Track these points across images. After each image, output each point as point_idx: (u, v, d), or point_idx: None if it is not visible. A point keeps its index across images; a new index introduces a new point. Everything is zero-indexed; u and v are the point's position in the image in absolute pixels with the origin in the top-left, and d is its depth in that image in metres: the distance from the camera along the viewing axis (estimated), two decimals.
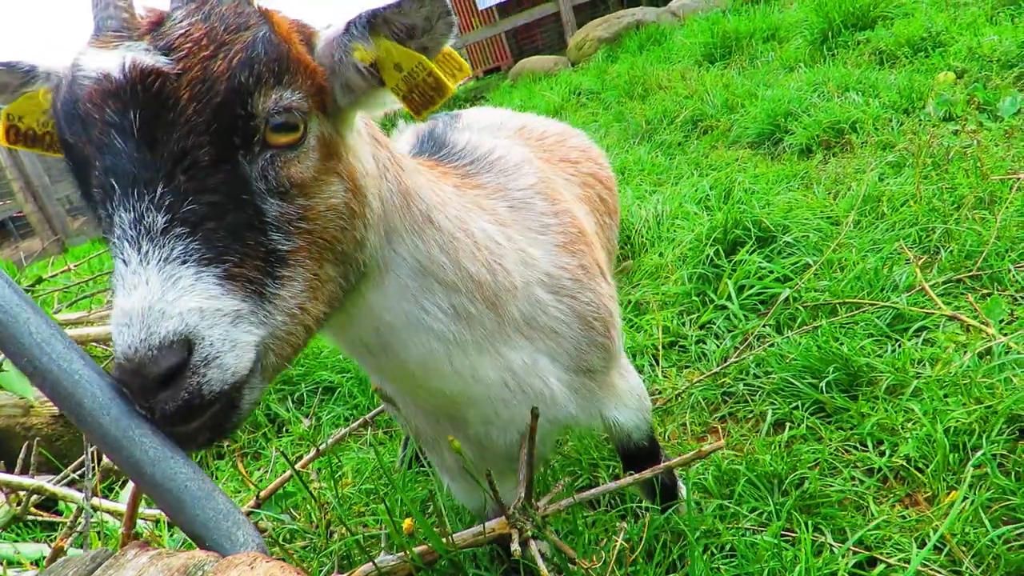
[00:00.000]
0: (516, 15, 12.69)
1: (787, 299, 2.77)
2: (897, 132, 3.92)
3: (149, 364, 0.80)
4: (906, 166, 3.51)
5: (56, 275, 5.50)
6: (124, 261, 0.84)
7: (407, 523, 1.66)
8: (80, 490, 2.37)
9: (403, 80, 1.02)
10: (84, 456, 1.98)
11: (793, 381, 2.33)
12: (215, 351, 0.84)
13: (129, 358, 0.80)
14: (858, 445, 2.05)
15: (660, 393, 2.61)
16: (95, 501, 2.18)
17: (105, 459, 2.28)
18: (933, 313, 2.42)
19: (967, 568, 1.55)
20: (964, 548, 1.59)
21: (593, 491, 1.67)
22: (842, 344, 2.39)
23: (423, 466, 2.53)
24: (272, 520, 2.30)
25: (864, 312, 2.53)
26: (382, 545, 1.84)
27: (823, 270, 2.89)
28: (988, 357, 2.13)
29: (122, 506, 2.32)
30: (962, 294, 2.51)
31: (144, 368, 0.80)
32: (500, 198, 1.53)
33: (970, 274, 2.56)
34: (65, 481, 2.58)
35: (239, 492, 2.75)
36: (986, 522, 1.62)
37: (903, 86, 4.27)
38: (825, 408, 2.23)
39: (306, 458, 2.35)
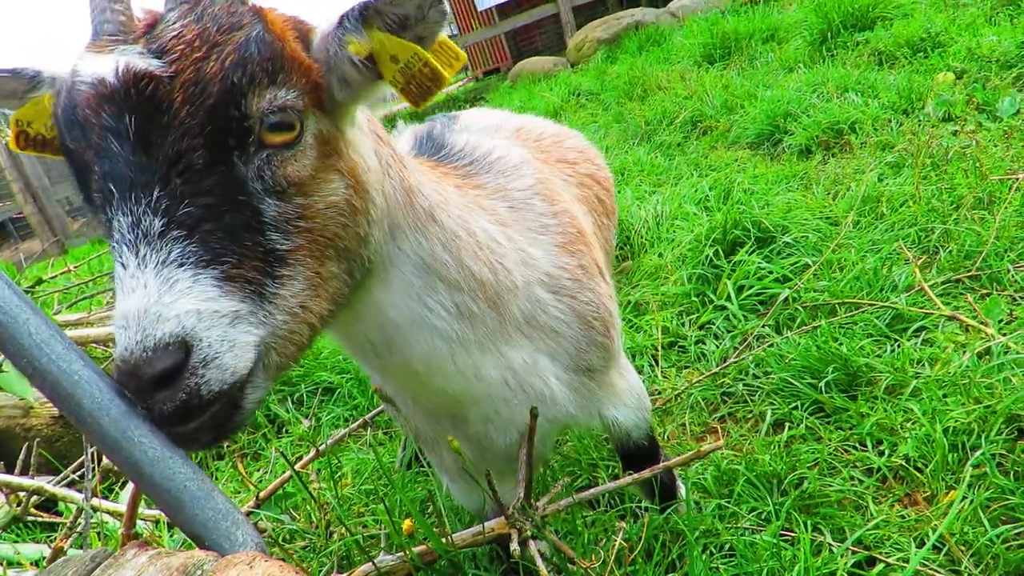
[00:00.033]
0: (516, 16, 12.70)
1: (786, 299, 2.77)
2: (896, 133, 3.92)
3: (144, 366, 0.81)
4: (905, 166, 3.51)
5: (56, 276, 5.51)
6: (123, 265, 0.85)
7: (407, 524, 1.66)
8: (80, 491, 2.37)
9: (400, 72, 1.01)
10: (84, 457, 1.99)
11: (792, 381, 2.33)
12: (213, 352, 0.84)
13: (125, 360, 0.81)
14: (857, 445, 2.05)
15: (660, 393, 2.61)
16: (95, 502, 2.18)
17: (105, 460, 2.29)
18: (932, 313, 2.42)
19: (966, 567, 1.56)
20: (963, 548, 1.60)
21: (592, 491, 1.67)
22: (841, 344, 2.39)
23: (422, 467, 2.53)
24: (272, 520, 2.31)
25: (863, 312, 2.54)
26: (381, 545, 1.84)
27: (822, 270, 2.89)
28: (987, 357, 2.14)
29: (122, 507, 2.32)
30: (961, 294, 2.51)
31: (139, 370, 0.81)
32: (500, 198, 1.53)
33: (969, 274, 2.57)
34: (65, 482, 2.59)
35: (239, 493, 2.75)
36: (985, 522, 1.62)
37: (902, 87, 4.27)
38: (824, 408, 2.23)
39: (305, 459, 2.36)
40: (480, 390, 1.37)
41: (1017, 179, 2.91)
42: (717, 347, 2.74)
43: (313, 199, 0.99)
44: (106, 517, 2.30)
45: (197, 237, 0.86)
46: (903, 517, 1.77)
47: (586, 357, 1.54)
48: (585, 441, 2.35)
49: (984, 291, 2.49)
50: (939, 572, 1.56)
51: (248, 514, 2.15)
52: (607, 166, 2.21)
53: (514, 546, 1.46)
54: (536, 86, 9.92)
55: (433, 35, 1.00)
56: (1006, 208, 2.75)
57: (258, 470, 2.91)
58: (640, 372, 2.71)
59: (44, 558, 2.22)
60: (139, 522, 2.30)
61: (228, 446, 3.06)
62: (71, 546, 1.99)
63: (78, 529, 2.05)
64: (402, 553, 1.51)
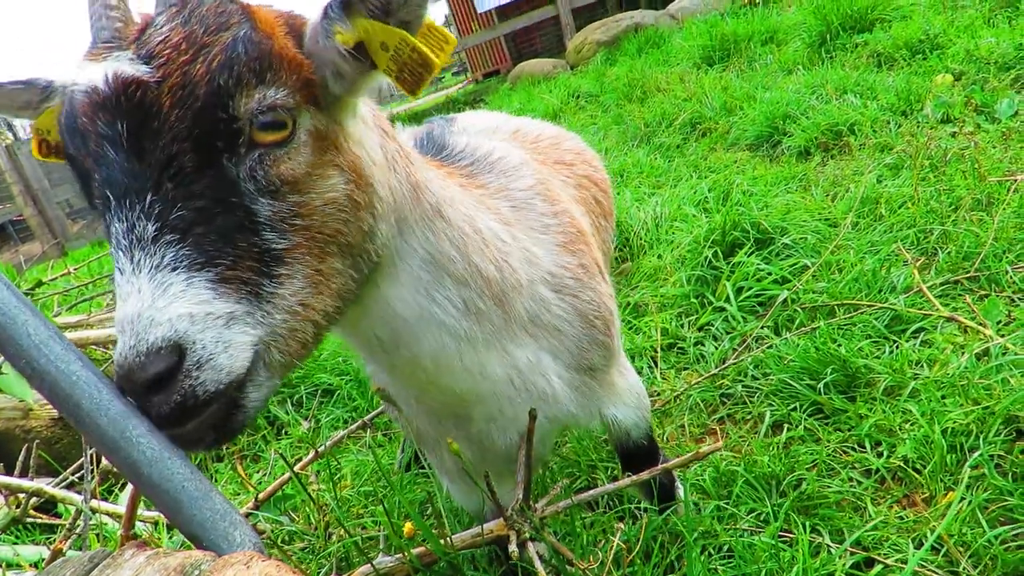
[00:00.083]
0: (515, 18, 12.73)
1: (785, 301, 2.77)
2: (895, 134, 3.92)
3: (137, 370, 0.82)
4: (904, 168, 3.52)
5: (56, 278, 5.51)
6: (120, 270, 0.86)
7: (408, 527, 1.66)
8: (79, 492, 2.38)
9: (392, 60, 0.99)
10: (83, 459, 1.99)
11: (791, 382, 2.34)
12: (207, 354, 0.84)
13: (121, 365, 0.83)
14: (856, 446, 2.06)
15: (659, 395, 2.62)
16: (94, 503, 2.18)
17: (104, 462, 2.29)
18: (931, 314, 2.42)
19: (964, 568, 1.56)
20: (961, 549, 1.60)
21: (591, 492, 1.67)
22: (840, 345, 2.39)
23: (421, 468, 2.53)
24: (271, 522, 2.31)
25: (862, 313, 2.54)
26: (380, 547, 1.84)
27: (821, 272, 2.89)
28: (986, 358, 2.14)
29: (121, 508, 2.32)
30: (960, 295, 2.51)
31: (133, 374, 0.82)
32: (503, 198, 1.54)
33: (968, 275, 2.57)
34: (64, 483, 2.59)
35: (238, 494, 2.75)
36: (983, 523, 1.62)
37: (901, 88, 4.28)
38: (823, 409, 2.24)
39: (305, 460, 2.36)
40: (486, 388, 1.37)
41: (1015, 180, 2.91)
42: (716, 348, 2.74)
43: (310, 196, 0.98)
44: (105, 519, 2.30)
45: (190, 240, 0.87)
46: (901, 518, 1.77)
47: (587, 356, 1.54)
48: (584, 442, 2.36)
49: (982, 292, 2.50)
50: (937, 573, 1.56)
51: (247, 515, 2.15)
52: (604, 168, 2.21)
53: (512, 548, 1.46)
54: (536, 88, 9.94)
55: (418, 19, 0.98)
56: (1004, 209, 2.75)
57: (257, 472, 2.91)
58: (639, 373, 2.71)
59: (43, 560, 2.22)
60: (138, 523, 2.30)
61: (227, 448, 3.06)
62: (70, 548, 1.99)
63: (77, 531, 2.05)
64: (401, 555, 1.52)
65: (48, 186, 12.39)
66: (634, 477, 1.66)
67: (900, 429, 2.02)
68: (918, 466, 1.89)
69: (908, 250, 2.84)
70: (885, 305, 2.52)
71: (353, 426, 2.68)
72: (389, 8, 0.97)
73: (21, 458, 2.59)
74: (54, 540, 2.38)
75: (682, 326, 2.98)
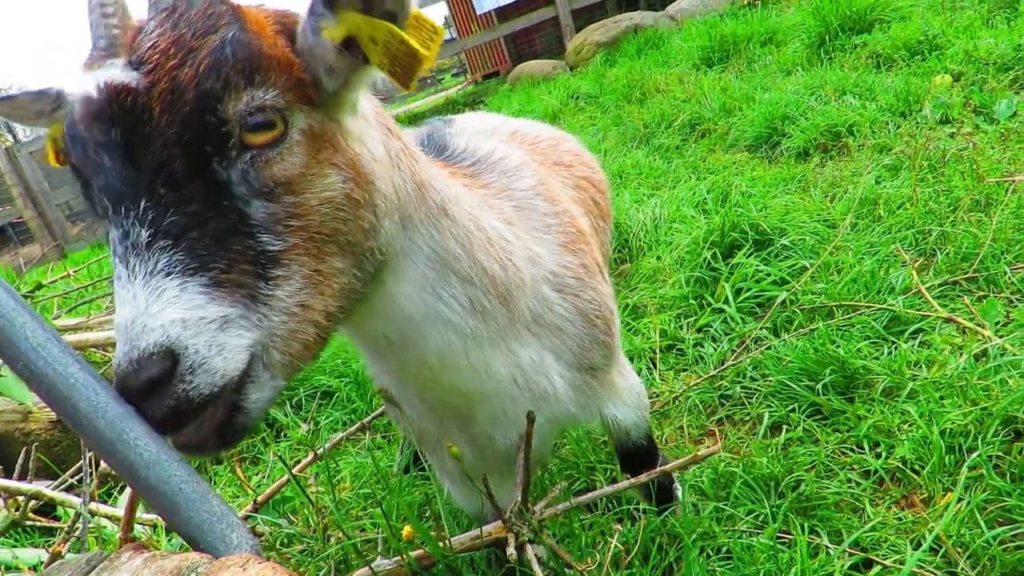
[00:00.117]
0: (515, 19, 12.72)
1: (784, 302, 2.77)
2: (894, 135, 3.93)
3: (132, 376, 0.82)
4: (903, 169, 3.52)
5: (55, 281, 5.51)
6: (118, 276, 0.87)
7: (407, 530, 1.66)
8: (78, 495, 2.38)
9: (382, 53, 0.97)
10: (82, 461, 1.99)
11: (790, 384, 2.34)
12: (200, 358, 0.84)
13: (117, 370, 0.84)
14: (854, 447, 2.06)
15: (657, 396, 2.62)
16: (93, 506, 2.19)
17: (103, 464, 2.29)
18: (929, 315, 2.42)
19: (962, 569, 1.56)
20: (960, 549, 1.60)
21: (590, 495, 1.68)
22: (839, 346, 2.39)
23: (420, 470, 2.53)
24: (269, 524, 2.31)
25: (861, 315, 2.54)
26: (379, 549, 1.84)
27: (820, 273, 2.89)
28: (984, 359, 2.14)
29: (120, 511, 2.32)
30: (958, 296, 2.52)
31: (128, 380, 0.83)
32: (505, 198, 1.55)
33: (966, 276, 2.57)
34: (63, 486, 2.59)
35: (238, 497, 2.75)
36: (982, 523, 1.62)
37: (900, 89, 4.28)
38: (822, 410, 2.24)
39: (303, 462, 2.36)
40: (491, 387, 1.37)
41: (1014, 181, 2.91)
42: (715, 350, 2.74)
43: (305, 196, 0.97)
44: (104, 521, 2.30)
45: (184, 245, 0.87)
46: (900, 519, 1.77)
47: (589, 355, 1.55)
48: (583, 444, 2.36)
49: (981, 293, 2.50)
50: (935, 574, 1.56)
51: (246, 518, 2.15)
52: (602, 169, 2.21)
53: (510, 550, 1.47)
54: (535, 89, 9.94)
55: (403, 10, 0.96)
56: (1003, 210, 2.76)
57: (256, 474, 2.91)
58: (638, 375, 2.72)
59: (42, 562, 2.22)
60: (137, 526, 2.30)
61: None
62: (69, 550, 1.99)
63: (76, 533, 2.05)
64: (399, 557, 1.52)
65: (48, 188, 12.40)
66: (632, 480, 1.67)
67: (899, 430, 2.02)
68: (916, 467, 1.89)
69: (907, 251, 2.85)
70: (884, 306, 2.52)
71: (352, 428, 2.68)
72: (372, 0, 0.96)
73: (20, 461, 2.59)
74: (53, 543, 2.38)
75: (681, 327, 2.98)
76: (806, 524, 1.78)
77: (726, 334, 2.81)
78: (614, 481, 2.14)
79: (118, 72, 0.89)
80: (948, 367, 2.15)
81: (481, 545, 1.55)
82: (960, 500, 1.69)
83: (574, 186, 1.91)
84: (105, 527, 2.29)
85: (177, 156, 0.88)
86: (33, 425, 3.12)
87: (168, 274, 0.85)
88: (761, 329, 2.71)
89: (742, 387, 2.48)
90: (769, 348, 2.56)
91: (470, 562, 1.89)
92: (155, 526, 2.35)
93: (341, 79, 1.02)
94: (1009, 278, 2.48)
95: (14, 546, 2.45)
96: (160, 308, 0.84)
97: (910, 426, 2.01)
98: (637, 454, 1.80)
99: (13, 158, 12.06)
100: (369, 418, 2.67)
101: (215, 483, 2.94)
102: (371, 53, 0.98)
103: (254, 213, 0.93)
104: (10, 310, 0.88)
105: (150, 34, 0.92)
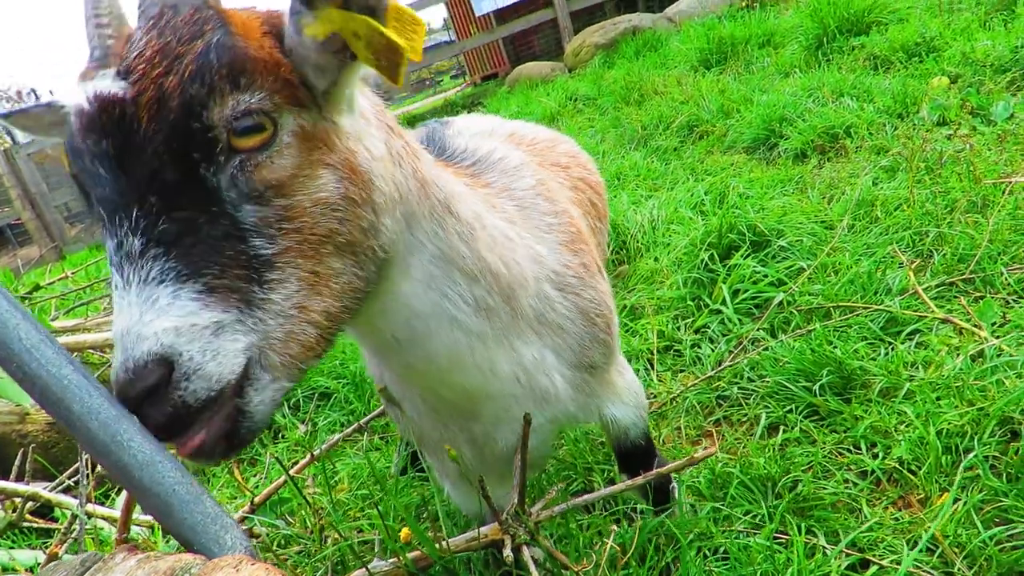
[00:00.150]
0: (513, 21, 12.73)
1: (781, 303, 2.78)
2: (891, 137, 3.93)
3: (128, 386, 0.83)
4: (900, 170, 3.53)
5: (54, 282, 5.52)
6: (115, 286, 0.87)
7: (404, 532, 1.66)
8: (75, 497, 2.37)
9: (366, 48, 0.96)
10: (79, 463, 1.99)
11: (787, 384, 2.34)
12: (195, 364, 0.85)
13: (114, 380, 0.85)
14: (851, 448, 2.06)
15: (655, 397, 2.62)
16: (90, 507, 2.18)
17: (100, 466, 2.29)
18: (926, 316, 2.43)
19: (959, 569, 1.56)
20: (956, 549, 1.60)
21: (587, 497, 1.68)
22: (836, 347, 2.40)
23: (418, 471, 2.53)
24: (267, 525, 2.31)
25: (858, 315, 2.54)
26: (376, 551, 1.84)
27: (817, 274, 2.90)
28: (980, 360, 2.14)
29: (117, 512, 2.31)
30: (955, 297, 2.52)
31: (125, 389, 0.83)
32: (507, 197, 1.55)
33: (963, 277, 2.57)
34: (60, 488, 2.59)
35: (235, 498, 2.75)
36: (978, 523, 1.62)
37: (897, 91, 4.29)
38: (819, 411, 2.24)
39: (301, 463, 2.36)
40: (495, 386, 1.38)
41: (1010, 183, 2.92)
42: (712, 351, 2.75)
43: (297, 199, 0.96)
44: (101, 523, 2.30)
45: (176, 253, 0.87)
46: (897, 519, 1.77)
47: (589, 354, 1.55)
48: (581, 445, 2.36)
49: (978, 294, 2.50)
50: (932, 574, 1.57)
51: (243, 519, 2.15)
52: (598, 171, 2.22)
53: (507, 552, 1.47)
54: (533, 91, 9.96)
55: (380, 3, 0.95)
56: (999, 211, 2.76)
57: (254, 475, 2.90)
58: (636, 375, 2.72)
59: (39, 564, 2.22)
60: (135, 527, 2.30)
61: None
62: (66, 552, 1.98)
63: (73, 535, 2.05)
64: (396, 559, 1.52)
65: (46, 190, 12.39)
66: (629, 482, 1.67)
67: (895, 431, 2.03)
68: (913, 467, 1.89)
69: (903, 252, 2.85)
70: (881, 307, 2.53)
71: (349, 429, 2.68)
72: None
73: (17, 462, 2.59)
74: (50, 544, 2.37)
75: (678, 328, 2.99)
76: (803, 524, 1.78)
77: (723, 335, 2.81)
78: (612, 482, 2.14)
79: (108, 83, 0.89)
80: (945, 368, 2.15)
81: (478, 547, 1.55)
82: (957, 500, 1.69)
83: (571, 187, 1.91)
84: (102, 528, 2.28)
85: (166, 164, 0.88)
86: (30, 427, 3.12)
87: (161, 282, 0.86)
88: (758, 330, 2.71)
89: (739, 388, 2.48)
90: (766, 349, 2.56)
91: (467, 563, 1.89)
92: (152, 527, 2.34)
93: (331, 77, 1.01)
94: (1005, 279, 2.48)
95: (11, 547, 2.45)
96: (153, 317, 0.84)
97: (907, 427, 2.02)
98: (635, 454, 1.80)
99: (11, 160, 12.05)
100: (366, 419, 2.67)
101: (212, 484, 2.94)
102: (356, 48, 0.97)
103: (245, 218, 0.92)
104: (3, 311, 0.88)
105: (137, 43, 0.92)
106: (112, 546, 1.94)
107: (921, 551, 1.58)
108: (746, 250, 3.09)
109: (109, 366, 3.52)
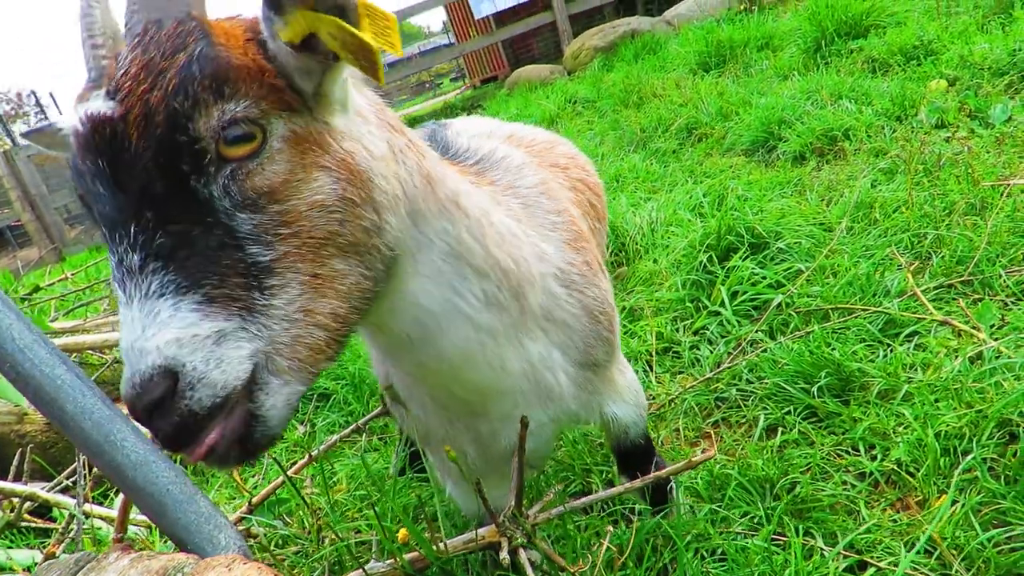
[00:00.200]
0: (513, 24, 12.76)
1: (780, 305, 2.77)
2: (889, 139, 3.94)
3: (136, 400, 0.84)
4: (898, 173, 3.53)
5: (53, 284, 5.52)
6: (119, 301, 0.89)
7: (402, 533, 1.66)
8: (73, 497, 2.37)
9: (343, 48, 0.95)
10: (77, 463, 1.98)
11: (785, 386, 2.34)
12: (199, 374, 0.85)
13: (124, 395, 0.85)
14: (850, 449, 2.06)
15: (654, 399, 2.61)
16: (87, 507, 2.18)
17: (95, 466, 2.28)
18: (924, 318, 2.42)
19: (957, 571, 1.56)
20: (954, 551, 1.60)
21: (585, 500, 1.68)
22: (834, 349, 2.40)
23: (417, 472, 2.53)
24: (264, 526, 2.30)
25: (856, 317, 2.54)
26: (373, 552, 1.84)
27: (816, 276, 2.90)
28: (979, 362, 2.14)
29: (114, 512, 2.31)
30: (953, 299, 2.52)
31: (134, 403, 0.84)
32: (512, 195, 1.56)
33: (961, 279, 2.57)
34: (58, 488, 2.59)
35: (234, 498, 2.74)
36: (976, 525, 1.62)
37: (895, 94, 4.29)
38: (817, 413, 2.24)
39: (299, 464, 2.35)
40: (505, 383, 1.38)
41: (1008, 185, 2.92)
42: (711, 352, 2.74)
43: (292, 203, 0.96)
44: (99, 523, 2.30)
45: (173, 266, 0.87)
46: (895, 521, 1.77)
47: (592, 352, 1.56)
48: (579, 446, 2.36)
49: (976, 296, 2.50)
50: None
51: (241, 519, 2.14)
52: (596, 173, 2.22)
53: (503, 554, 1.47)
54: (533, 94, 9.97)
55: (349, 2, 0.94)
56: (998, 214, 2.76)
57: (252, 476, 2.90)
58: None
59: (36, 564, 2.21)
60: (132, 527, 2.29)
61: None
62: (63, 552, 1.98)
63: (71, 535, 2.05)
64: (393, 560, 1.51)
65: (46, 191, 12.40)
66: (627, 484, 1.67)
67: (894, 432, 2.02)
68: (911, 469, 1.89)
69: (902, 254, 2.85)
70: (879, 309, 2.53)
71: (347, 430, 2.67)
72: None
73: (15, 462, 2.59)
74: (48, 544, 2.37)
75: (677, 330, 2.98)
76: (801, 526, 1.78)
77: (722, 337, 2.81)
78: (610, 483, 2.14)
79: (99, 103, 0.90)
80: (943, 370, 2.15)
81: (475, 548, 1.55)
82: (955, 502, 1.68)
83: (570, 188, 1.91)
84: (100, 528, 2.28)
85: (157, 178, 0.88)
86: (29, 427, 3.12)
87: (161, 295, 0.86)
88: (757, 332, 2.71)
89: (738, 390, 2.48)
90: (765, 351, 2.56)
91: (464, 564, 1.88)
92: (150, 527, 2.34)
93: (316, 78, 1.01)
94: (1004, 281, 2.48)
95: (9, 547, 2.45)
96: (155, 330, 0.85)
97: (905, 428, 2.01)
98: (634, 453, 1.80)
99: (11, 161, 12.06)
100: (364, 420, 2.66)
101: (211, 485, 2.93)
102: (335, 49, 0.96)
103: (240, 226, 0.92)
104: None
105: (124, 61, 0.92)
106: (109, 545, 1.94)
107: (919, 553, 1.58)
108: (745, 252, 3.09)
109: (108, 367, 3.52)
